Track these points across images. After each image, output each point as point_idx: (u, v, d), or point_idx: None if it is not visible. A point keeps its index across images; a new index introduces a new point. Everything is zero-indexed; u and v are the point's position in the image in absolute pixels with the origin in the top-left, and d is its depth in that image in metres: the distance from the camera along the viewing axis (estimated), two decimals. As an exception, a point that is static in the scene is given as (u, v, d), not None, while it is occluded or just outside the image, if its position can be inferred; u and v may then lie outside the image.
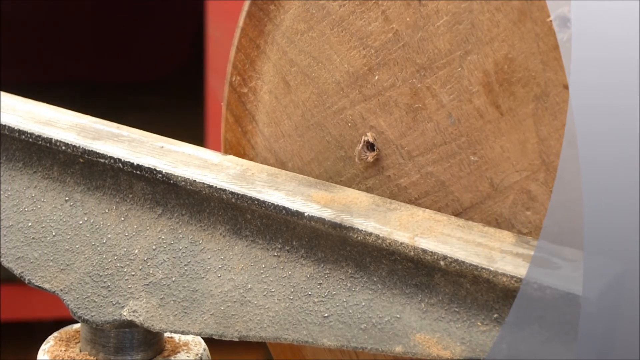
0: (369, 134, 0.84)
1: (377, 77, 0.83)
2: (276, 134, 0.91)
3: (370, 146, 0.84)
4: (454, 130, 0.79)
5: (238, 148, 0.93)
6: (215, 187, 0.81)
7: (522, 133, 0.76)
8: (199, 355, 0.90)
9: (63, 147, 0.87)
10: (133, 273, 0.84)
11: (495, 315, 0.70)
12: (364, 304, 0.75)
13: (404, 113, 0.82)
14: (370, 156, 0.84)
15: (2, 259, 0.88)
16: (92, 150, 0.86)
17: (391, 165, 0.83)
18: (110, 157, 0.85)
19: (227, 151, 0.94)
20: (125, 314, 0.83)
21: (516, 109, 0.76)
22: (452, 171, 0.80)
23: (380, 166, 0.84)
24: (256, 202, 0.79)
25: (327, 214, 0.77)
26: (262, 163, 0.91)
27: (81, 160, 0.87)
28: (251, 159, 0.92)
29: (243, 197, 0.80)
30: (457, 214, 0.80)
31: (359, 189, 0.84)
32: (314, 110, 0.88)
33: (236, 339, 0.79)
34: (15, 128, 0.89)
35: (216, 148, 0.92)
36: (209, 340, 0.87)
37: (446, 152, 0.80)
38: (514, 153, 0.77)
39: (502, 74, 0.76)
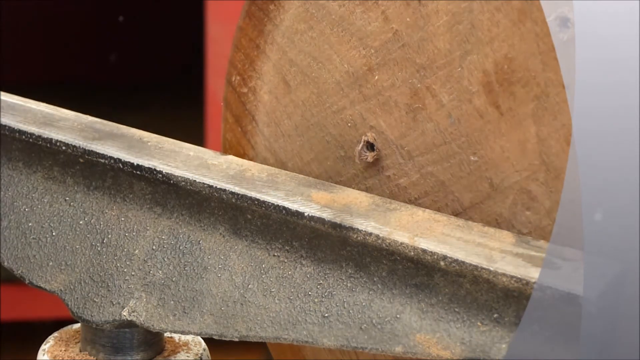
0: (368, 134, 0.84)
1: (377, 77, 0.83)
2: (276, 134, 0.91)
3: (370, 146, 0.84)
4: (454, 130, 0.79)
5: (238, 148, 0.93)
6: (215, 187, 0.81)
7: (522, 133, 0.76)
8: (199, 355, 0.90)
9: (63, 148, 0.87)
10: (133, 273, 0.84)
11: (495, 315, 0.70)
12: (364, 304, 0.75)
13: (403, 113, 0.82)
14: (370, 156, 0.84)
15: (2, 259, 0.88)
16: (92, 151, 0.86)
17: (391, 165, 0.83)
18: (111, 157, 0.85)
19: (227, 151, 0.94)
20: (125, 314, 0.83)
21: (516, 109, 0.76)
22: (452, 171, 0.80)
23: (380, 166, 0.84)
24: (256, 202, 0.79)
25: (327, 214, 0.77)
26: (262, 163, 0.91)
27: (81, 160, 0.87)
28: (251, 159, 0.92)
29: (243, 197, 0.80)
30: (457, 214, 0.80)
31: (358, 189, 0.84)
32: (313, 110, 0.88)
33: (236, 339, 0.79)
34: (15, 128, 0.89)
35: (216, 148, 0.92)
36: (209, 340, 0.87)
37: (446, 152, 0.80)
38: (513, 153, 0.77)
39: (502, 74, 0.76)
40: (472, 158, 0.79)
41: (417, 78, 0.80)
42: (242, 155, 0.92)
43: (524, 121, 0.76)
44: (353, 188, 0.84)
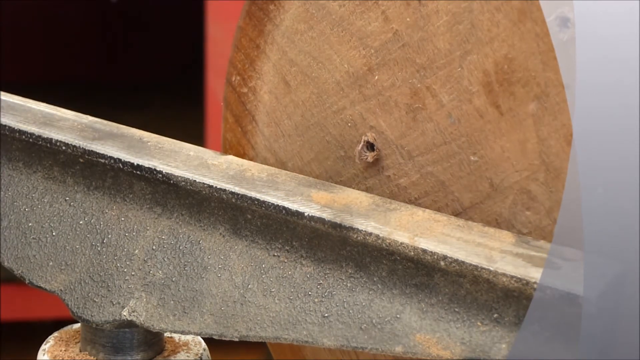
0: (368, 134, 0.84)
1: (377, 77, 0.83)
2: (276, 134, 0.91)
3: (370, 146, 0.84)
4: (454, 130, 0.79)
5: (238, 148, 0.93)
6: (215, 187, 0.81)
7: (522, 133, 0.76)
8: (199, 355, 0.90)
9: (63, 148, 0.87)
10: (133, 273, 0.84)
11: (495, 315, 0.70)
12: (364, 303, 0.75)
13: (403, 113, 0.82)
14: (370, 156, 0.84)
15: (2, 259, 0.88)
16: (92, 151, 0.86)
17: (391, 165, 0.83)
18: (111, 157, 0.85)
19: (227, 151, 0.94)
20: (125, 314, 0.83)
21: (516, 109, 0.76)
22: (452, 171, 0.80)
23: (380, 166, 0.84)
24: (256, 202, 0.79)
25: (327, 214, 0.77)
26: (262, 163, 0.91)
27: (81, 160, 0.87)
28: (251, 159, 0.92)
29: (243, 197, 0.80)
30: (457, 214, 0.80)
31: (358, 189, 0.84)
32: (314, 110, 0.88)
33: (236, 339, 0.79)
34: (16, 128, 0.89)
35: (216, 148, 0.92)
36: (209, 340, 0.87)
37: (446, 152, 0.80)
38: (513, 153, 0.77)
39: (502, 74, 0.76)
40: (472, 158, 0.79)
41: (417, 78, 0.80)
42: (242, 155, 0.93)
43: (524, 121, 0.76)
44: (353, 188, 0.84)
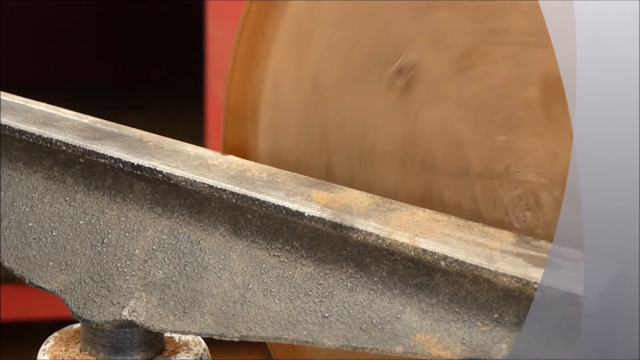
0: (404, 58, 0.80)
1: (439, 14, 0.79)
2: (277, 131, 0.91)
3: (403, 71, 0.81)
4: (494, 102, 0.77)
5: (238, 145, 0.93)
6: (216, 187, 0.81)
7: (559, 145, 0.75)
8: (199, 355, 0.90)
9: (63, 148, 0.87)
10: (133, 273, 0.84)
11: (496, 315, 0.70)
12: (364, 304, 0.75)
13: (455, 59, 0.79)
14: (400, 80, 0.81)
15: (2, 259, 0.88)
16: (92, 151, 0.86)
17: (420, 92, 0.80)
18: (111, 157, 0.85)
19: (227, 148, 0.94)
20: (125, 314, 0.83)
21: (562, 121, 0.75)
22: (475, 136, 0.78)
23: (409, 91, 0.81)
24: (256, 202, 0.79)
25: (327, 214, 0.77)
26: (262, 159, 0.91)
27: (81, 160, 0.87)
28: (251, 155, 0.92)
29: (243, 197, 0.80)
30: (462, 173, 0.79)
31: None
32: (315, 108, 0.88)
33: (236, 339, 0.79)
34: (16, 128, 0.89)
35: (216, 148, 0.92)
36: (209, 340, 0.87)
37: (477, 117, 0.78)
38: (542, 156, 0.76)
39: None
40: (501, 137, 0.77)
41: (482, 37, 0.77)
42: (242, 152, 0.92)
43: (564, 136, 0.74)
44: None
